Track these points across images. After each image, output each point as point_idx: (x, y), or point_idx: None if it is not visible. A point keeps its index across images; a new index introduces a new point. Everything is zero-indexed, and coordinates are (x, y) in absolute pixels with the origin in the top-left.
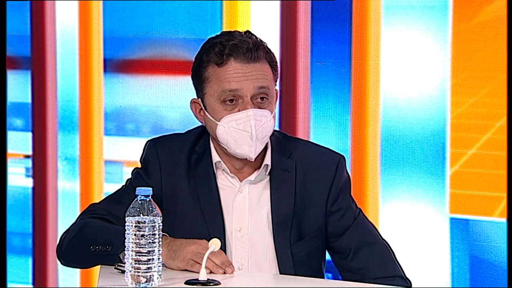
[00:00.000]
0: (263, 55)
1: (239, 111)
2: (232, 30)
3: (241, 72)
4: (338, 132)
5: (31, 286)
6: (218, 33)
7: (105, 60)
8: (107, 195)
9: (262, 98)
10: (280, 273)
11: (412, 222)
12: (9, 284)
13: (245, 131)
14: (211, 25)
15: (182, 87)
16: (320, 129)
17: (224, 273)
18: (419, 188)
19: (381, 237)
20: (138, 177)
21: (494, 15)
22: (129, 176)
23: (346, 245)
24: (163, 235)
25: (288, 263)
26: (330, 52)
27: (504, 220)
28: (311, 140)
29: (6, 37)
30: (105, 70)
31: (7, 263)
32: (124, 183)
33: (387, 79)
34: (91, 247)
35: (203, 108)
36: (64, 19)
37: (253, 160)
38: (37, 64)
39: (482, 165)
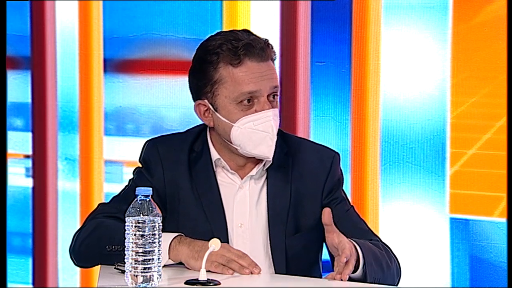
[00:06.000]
0: (270, 54)
1: (255, 111)
2: (228, 29)
3: (258, 72)
4: (338, 132)
5: (31, 286)
6: (213, 33)
7: (105, 60)
8: (110, 196)
9: (273, 97)
10: (274, 267)
11: (412, 222)
12: (9, 284)
13: (264, 131)
14: (211, 25)
15: (182, 87)
16: (320, 129)
17: (251, 273)
18: (419, 188)
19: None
20: (141, 176)
21: (494, 15)
22: (129, 176)
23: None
24: (178, 235)
25: (281, 256)
26: (330, 52)
27: (504, 220)
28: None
29: (6, 37)
30: (105, 70)
31: (7, 263)
32: (127, 183)
33: (387, 79)
34: (107, 247)
35: (213, 109)
36: (64, 19)
37: (270, 159)
38: (37, 64)
39: (482, 165)
